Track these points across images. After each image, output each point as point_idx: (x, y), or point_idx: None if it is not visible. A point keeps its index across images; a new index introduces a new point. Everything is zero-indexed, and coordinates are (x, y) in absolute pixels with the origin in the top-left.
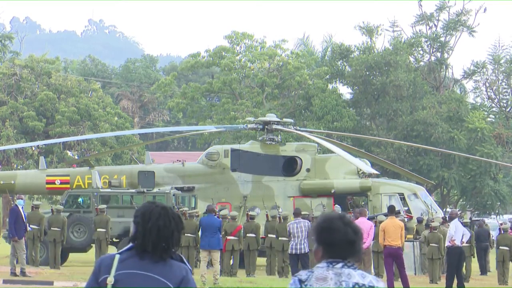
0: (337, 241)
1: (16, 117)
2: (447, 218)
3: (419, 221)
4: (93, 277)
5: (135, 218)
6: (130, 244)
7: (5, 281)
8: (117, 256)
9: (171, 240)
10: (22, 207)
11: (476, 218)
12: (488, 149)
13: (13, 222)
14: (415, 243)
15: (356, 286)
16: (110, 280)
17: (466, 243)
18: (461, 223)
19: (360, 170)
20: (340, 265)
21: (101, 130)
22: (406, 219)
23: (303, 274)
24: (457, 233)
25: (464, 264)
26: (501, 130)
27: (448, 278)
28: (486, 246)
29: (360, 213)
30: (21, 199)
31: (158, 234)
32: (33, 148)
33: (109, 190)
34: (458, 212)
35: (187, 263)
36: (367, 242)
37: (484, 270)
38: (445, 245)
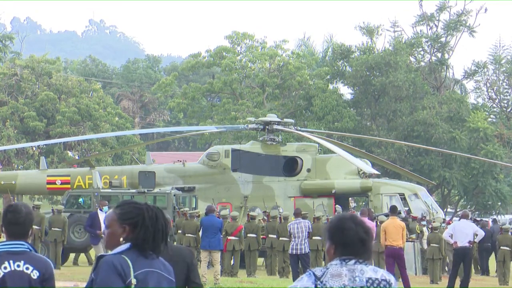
0: (349, 240)
1: (17, 117)
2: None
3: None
4: (118, 277)
5: (131, 219)
6: (127, 245)
7: None
8: (125, 257)
9: (166, 240)
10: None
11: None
12: (494, 149)
13: (89, 225)
14: (415, 243)
15: (370, 280)
16: (134, 281)
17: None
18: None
19: (361, 170)
20: (352, 261)
21: (102, 130)
22: (410, 220)
23: (318, 270)
24: (458, 234)
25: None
26: (502, 131)
27: (450, 278)
28: (487, 247)
29: (362, 213)
30: (106, 205)
31: (161, 235)
32: (34, 148)
33: (109, 190)
34: (463, 213)
35: None
36: None
37: (484, 271)
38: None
